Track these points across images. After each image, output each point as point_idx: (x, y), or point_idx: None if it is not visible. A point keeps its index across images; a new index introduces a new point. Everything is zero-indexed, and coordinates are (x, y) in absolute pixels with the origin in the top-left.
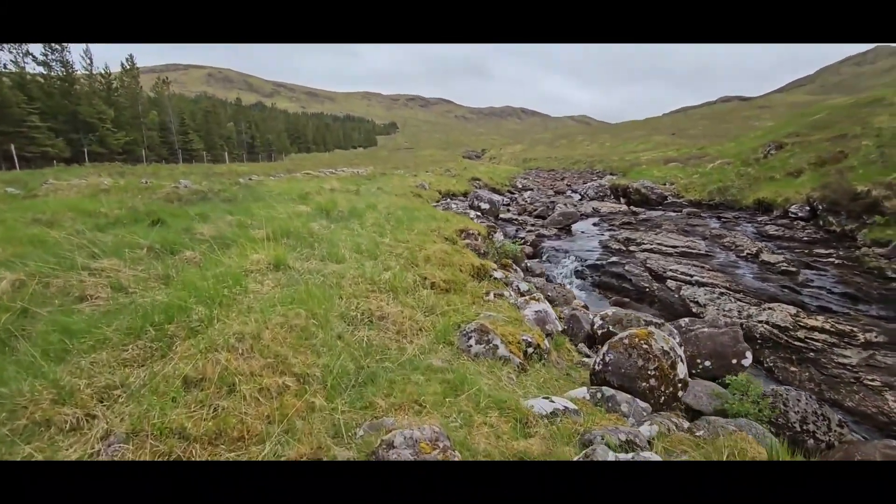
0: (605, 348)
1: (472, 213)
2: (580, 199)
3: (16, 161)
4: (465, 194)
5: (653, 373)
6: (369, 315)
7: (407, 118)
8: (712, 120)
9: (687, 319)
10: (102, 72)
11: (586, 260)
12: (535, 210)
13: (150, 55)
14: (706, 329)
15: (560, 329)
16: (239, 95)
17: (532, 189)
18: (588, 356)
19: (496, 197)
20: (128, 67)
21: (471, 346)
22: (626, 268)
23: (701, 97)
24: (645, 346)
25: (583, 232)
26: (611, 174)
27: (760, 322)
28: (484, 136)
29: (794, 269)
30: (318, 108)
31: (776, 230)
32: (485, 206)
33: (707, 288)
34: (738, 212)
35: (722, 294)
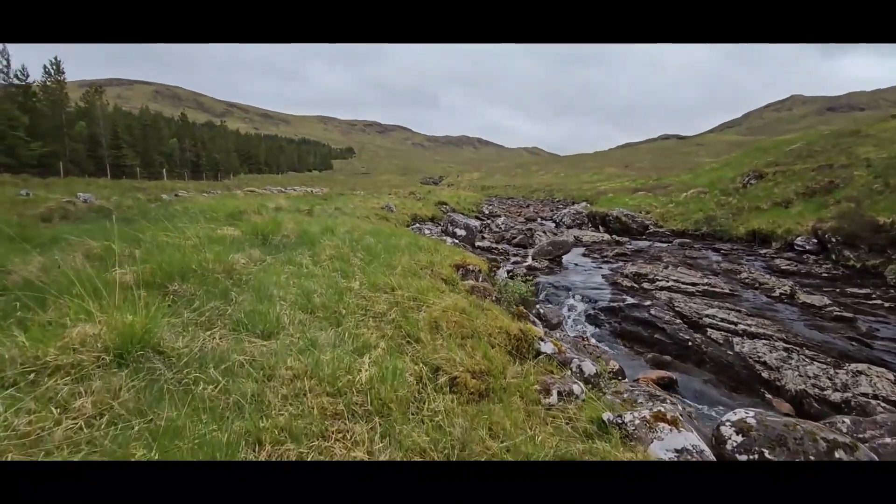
0: None
1: (449, 240)
2: (556, 227)
3: None
4: (432, 219)
5: None
6: None
7: (364, 143)
8: (656, 155)
9: (848, 421)
10: (19, 74)
11: (596, 301)
12: (514, 238)
13: (90, 67)
14: (890, 440)
15: None
16: (187, 113)
17: (501, 215)
18: None
19: (472, 222)
20: (52, 72)
21: None
22: (652, 312)
23: (636, 135)
24: None
25: (576, 265)
26: (573, 202)
27: (864, 396)
28: (441, 164)
29: (848, 314)
30: (272, 130)
31: (788, 265)
32: (461, 232)
33: (763, 341)
34: (730, 243)
35: (787, 350)
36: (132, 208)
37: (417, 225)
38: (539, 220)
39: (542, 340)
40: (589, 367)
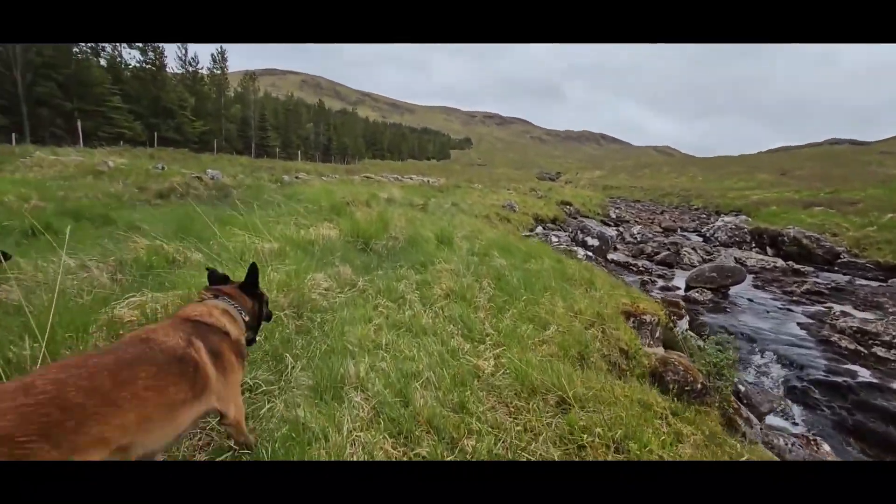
0: None
1: (581, 252)
2: (706, 243)
3: (80, 138)
4: (554, 220)
5: None
6: None
7: (483, 135)
8: (823, 162)
9: None
10: (191, 62)
11: (803, 367)
12: (656, 254)
13: (251, 59)
14: None
15: None
16: (326, 101)
17: (630, 221)
18: None
19: (608, 231)
20: (218, 61)
21: None
22: None
23: (794, 138)
24: None
25: (750, 300)
26: (718, 212)
27: None
28: (560, 160)
29: None
30: (397, 119)
31: None
32: (593, 241)
33: None
34: None
35: None
36: (251, 188)
37: (542, 229)
38: (680, 231)
39: None
40: None
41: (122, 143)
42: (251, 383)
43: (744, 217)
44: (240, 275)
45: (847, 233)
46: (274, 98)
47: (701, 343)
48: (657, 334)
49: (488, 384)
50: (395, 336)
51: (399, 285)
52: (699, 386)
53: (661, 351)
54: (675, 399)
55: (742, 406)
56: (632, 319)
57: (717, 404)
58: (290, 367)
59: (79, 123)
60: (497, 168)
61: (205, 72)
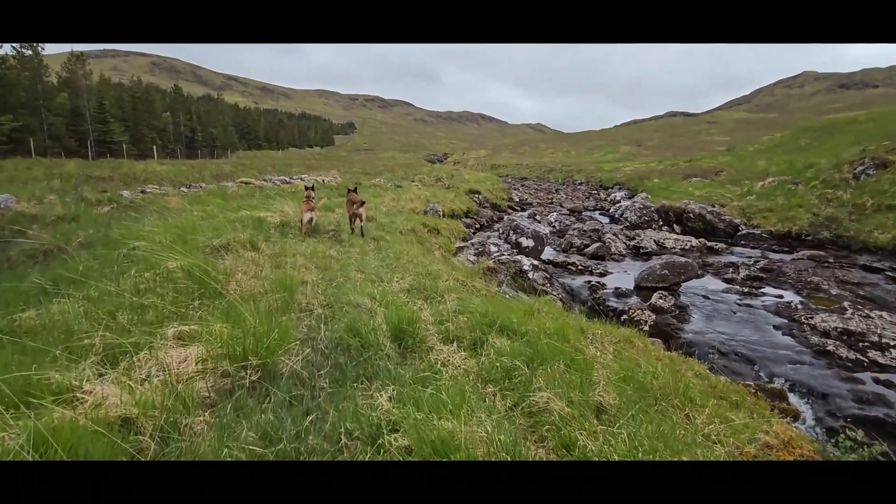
0: None
1: (526, 262)
2: (614, 223)
3: None
4: (467, 213)
5: None
6: None
7: (365, 118)
8: (667, 133)
9: None
10: None
11: (825, 395)
12: (586, 246)
13: None
14: None
15: None
16: (184, 87)
17: (533, 204)
18: None
19: (541, 229)
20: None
21: None
22: None
23: (641, 112)
24: None
25: (707, 298)
26: (602, 186)
27: None
28: (444, 140)
29: None
30: (272, 105)
31: None
32: (527, 242)
33: None
34: (868, 255)
35: None
36: (61, 220)
37: (478, 239)
38: (584, 211)
39: None
40: None
41: None
42: None
43: (644, 195)
44: None
45: (732, 203)
46: (117, 84)
47: None
48: None
49: None
50: None
51: None
52: None
53: None
54: None
55: None
56: None
57: None
58: None
59: None
60: (385, 152)
61: (9, 52)
